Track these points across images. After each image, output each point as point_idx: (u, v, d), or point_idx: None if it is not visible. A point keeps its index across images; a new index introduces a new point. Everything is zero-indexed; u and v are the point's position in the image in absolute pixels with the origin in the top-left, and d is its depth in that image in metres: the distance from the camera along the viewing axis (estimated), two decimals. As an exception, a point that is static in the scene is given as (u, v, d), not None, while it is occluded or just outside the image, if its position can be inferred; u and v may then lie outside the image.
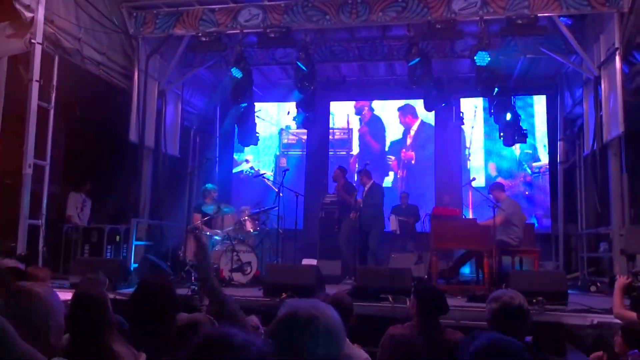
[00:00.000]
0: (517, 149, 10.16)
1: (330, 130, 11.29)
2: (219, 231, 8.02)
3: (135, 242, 7.81)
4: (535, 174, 10.25)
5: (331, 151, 11.22)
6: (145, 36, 8.26)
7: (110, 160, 8.38)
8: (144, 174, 8.43)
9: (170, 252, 8.37)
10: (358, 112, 11.30)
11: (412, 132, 10.98)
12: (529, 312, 2.68)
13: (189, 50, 8.82)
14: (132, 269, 7.27)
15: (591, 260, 8.01)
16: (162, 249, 8.23)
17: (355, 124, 11.29)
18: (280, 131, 11.42)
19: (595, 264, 7.93)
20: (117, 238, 7.70)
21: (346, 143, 11.26)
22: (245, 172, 10.85)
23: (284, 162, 11.20)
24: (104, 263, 6.63)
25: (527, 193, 10.23)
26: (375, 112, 11.27)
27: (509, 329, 2.48)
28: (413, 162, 10.94)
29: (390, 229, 8.69)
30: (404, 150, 10.98)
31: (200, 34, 8.08)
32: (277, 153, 11.40)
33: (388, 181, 10.84)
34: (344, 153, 11.21)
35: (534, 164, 10.32)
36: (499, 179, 9.72)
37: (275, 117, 11.37)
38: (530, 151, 10.30)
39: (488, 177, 10.29)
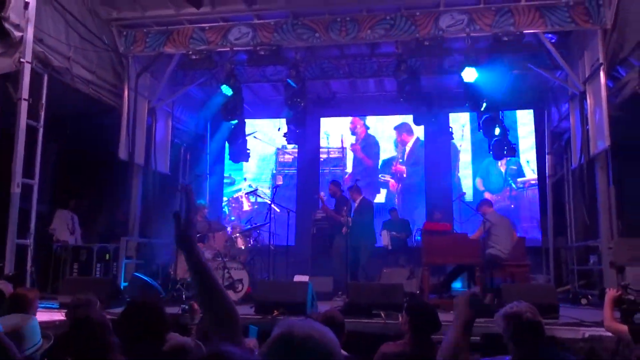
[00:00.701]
0: (502, 165, 10.42)
1: (326, 149, 11.43)
2: (208, 250, 7.97)
3: (125, 261, 7.75)
4: (520, 189, 10.44)
5: (326, 169, 11.33)
6: (136, 54, 8.29)
7: (99, 178, 8.34)
8: (134, 191, 8.39)
9: (160, 271, 8.29)
10: (353, 132, 11.39)
11: (407, 149, 11.12)
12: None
13: (179, 68, 8.85)
14: (122, 287, 7.20)
15: (581, 273, 8.05)
16: (152, 268, 8.16)
17: (349, 143, 11.40)
18: (277, 150, 11.52)
19: (585, 277, 7.96)
20: (107, 257, 7.63)
21: (340, 161, 11.39)
22: (243, 190, 10.81)
23: (280, 180, 11.29)
24: (93, 282, 6.56)
25: (512, 206, 10.38)
26: (369, 131, 11.36)
27: (532, 343, 2.50)
28: (405, 175, 11.02)
29: (382, 244, 8.70)
30: (395, 163, 11.06)
31: (190, 52, 8.12)
32: (274, 171, 11.45)
33: (380, 198, 10.89)
34: (339, 171, 11.30)
35: (519, 180, 10.52)
36: (486, 194, 9.87)
37: (272, 137, 11.42)
38: (515, 167, 10.51)
39: (475, 192, 10.42)
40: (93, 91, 7.71)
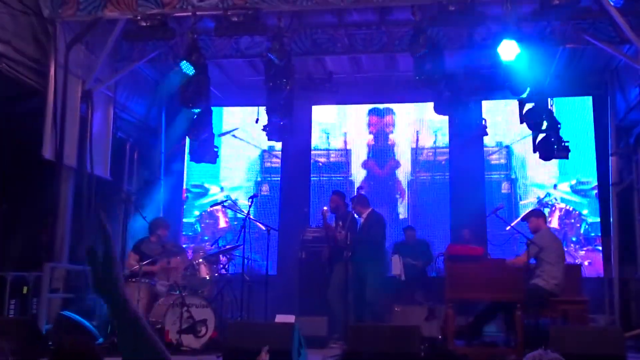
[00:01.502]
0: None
1: (325, 152, 11.51)
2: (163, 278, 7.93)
3: (49, 295, 7.67)
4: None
5: (325, 176, 11.40)
6: (65, 20, 8.24)
7: (15, 185, 8.26)
8: (62, 202, 8.34)
9: (96, 308, 8.23)
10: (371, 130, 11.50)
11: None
12: None
13: (124, 38, 8.80)
14: (44, 331, 7.12)
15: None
16: (85, 303, 8.10)
17: (354, 145, 11.46)
18: (262, 153, 11.59)
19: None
20: (25, 289, 7.55)
21: (343, 167, 11.41)
22: (220, 202, 10.76)
23: (266, 189, 11.39)
24: (5, 324, 6.47)
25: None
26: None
27: None
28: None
29: (392, 274, 8.68)
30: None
31: (139, 18, 8.08)
32: (259, 179, 11.51)
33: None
34: (341, 178, 11.32)
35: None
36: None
37: (257, 138, 11.43)
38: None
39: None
40: (7, 68, 7.64)
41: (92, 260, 1.62)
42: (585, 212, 10.53)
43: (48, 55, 8.17)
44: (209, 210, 11.33)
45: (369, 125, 11.54)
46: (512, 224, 8.50)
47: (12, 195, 8.32)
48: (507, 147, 11.02)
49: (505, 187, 10.89)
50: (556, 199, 10.56)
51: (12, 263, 8.22)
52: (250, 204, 8.33)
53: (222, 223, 11.37)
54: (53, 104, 8.12)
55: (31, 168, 8.13)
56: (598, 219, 10.41)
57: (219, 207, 10.81)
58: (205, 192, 11.55)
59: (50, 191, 8.19)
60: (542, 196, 10.43)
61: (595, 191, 10.48)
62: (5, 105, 7.98)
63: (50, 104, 8.10)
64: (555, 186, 10.61)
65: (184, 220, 11.52)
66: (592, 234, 10.48)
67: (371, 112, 11.58)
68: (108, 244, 1.65)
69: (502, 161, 11.02)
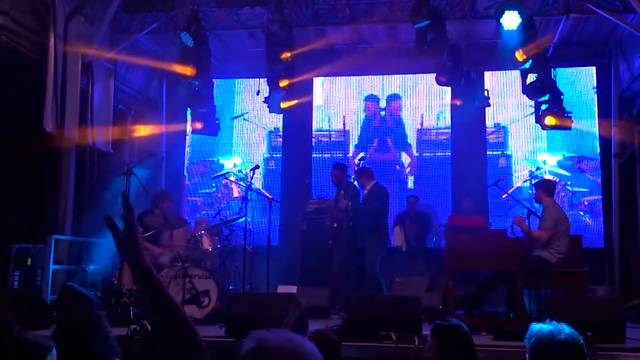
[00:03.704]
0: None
1: (327, 133, 11.62)
2: (166, 251, 7.98)
3: (52, 267, 7.73)
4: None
5: (327, 153, 11.52)
6: (65, -10, 8.19)
7: (19, 158, 8.27)
8: (65, 175, 8.37)
9: (100, 279, 8.30)
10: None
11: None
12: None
13: (123, 10, 8.77)
14: (49, 302, 7.20)
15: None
16: (89, 275, 8.16)
17: (351, 125, 11.63)
18: (270, 133, 11.77)
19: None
20: (29, 261, 7.61)
21: (342, 145, 11.60)
22: (222, 174, 10.92)
23: (272, 165, 11.63)
24: (10, 295, 6.54)
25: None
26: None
27: None
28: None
29: (394, 245, 8.71)
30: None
31: (139, -12, 8.04)
32: (267, 156, 11.69)
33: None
34: (341, 155, 11.45)
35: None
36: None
37: (265, 120, 11.66)
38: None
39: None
40: (7, 40, 7.62)
41: (112, 227, 1.77)
42: (569, 183, 10.68)
43: (47, 27, 8.12)
44: (224, 182, 11.46)
45: (367, 109, 11.67)
46: (509, 192, 8.54)
47: (14, 168, 8.34)
48: (504, 127, 11.16)
49: (502, 162, 11.00)
50: (545, 172, 10.66)
51: (16, 235, 8.29)
52: (252, 175, 8.31)
53: (235, 193, 11.50)
54: (53, 76, 8.09)
55: (33, 141, 8.12)
56: (583, 189, 10.57)
57: (232, 178, 10.97)
58: (220, 167, 11.65)
59: (53, 164, 8.20)
60: (533, 170, 10.49)
61: (578, 165, 10.64)
62: (6, 77, 7.95)
63: (50, 76, 8.07)
64: (544, 161, 10.73)
65: (201, 192, 11.74)
66: (575, 201, 10.65)
67: (368, 98, 11.66)
68: (130, 213, 1.76)
69: (500, 140, 11.13)
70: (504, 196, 8.81)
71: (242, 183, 9.77)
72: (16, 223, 8.82)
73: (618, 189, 9.75)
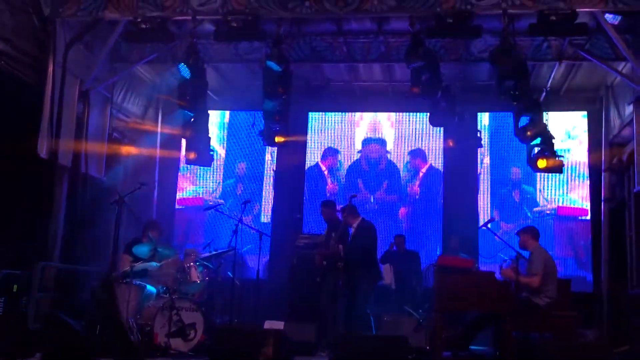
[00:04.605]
0: (516, 194, 10.94)
1: (321, 163, 11.66)
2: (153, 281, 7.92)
3: (39, 294, 7.64)
4: (536, 218, 10.81)
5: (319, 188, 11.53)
6: (66, 19, 8.25)
7: (11, 183, 8.23)
8: (57, 201, 8.32)
9: (87, 308, 8.20)
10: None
11: (421, 174, 11.47)
12: None
13: (123, 40, 8.83)
14: (33, 329, 7.10)
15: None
16: (76, 304, 8.06)
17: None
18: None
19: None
20: (15, 288, 7.52)
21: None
22: (213, 206, 10.86)
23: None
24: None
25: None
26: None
27: None
28: (417, 197, 11.24)
29: (383, 283, 8.67)
30: (410, 185, 11.37)
31: (139, 20, 8.10)
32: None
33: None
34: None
35: (535, 209, 10.97)
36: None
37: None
38: (530, 195, 11.07)
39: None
40: (6, 65, 7.64)
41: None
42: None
43: (47, 54, 8.17)
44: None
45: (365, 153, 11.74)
46: (497, 235, 8.56)
47: (6, 193, 8.29)
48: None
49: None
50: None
51: (6, 261, 8.20)
52: (242, 209, 8.32)
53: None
54: (50, 102, 8.11)
55: (26, 166, 8.10)
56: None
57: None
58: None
59: (44, 190, 8.16)
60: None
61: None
62: (3, 102, 7.95)
63: (47, 102, 8.10)
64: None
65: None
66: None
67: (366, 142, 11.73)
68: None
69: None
70: (497, 237, 8.82)
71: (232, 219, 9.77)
72: (5, 249, 8.75)
73: (607, 234, 9.78)
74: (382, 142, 11.58)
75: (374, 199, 11.27)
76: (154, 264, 7.96)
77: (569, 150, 10.64)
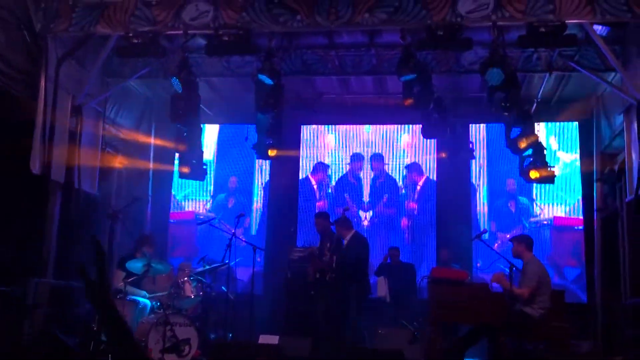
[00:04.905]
0: (512, 205, 11.01)
1: (311, 177, 11.69)
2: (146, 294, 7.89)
3: (33, 310, 7.59)
4: (533, 228, 10.81)
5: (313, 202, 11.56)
6: (58, 35, 8.26)
7: (4, 199, 8.21)
8: (50, 217, 8.29)
9: (81, 324, 8.17)
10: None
11: (418, 188, 11.50)
12: None
13: (115, 54, 8.83)
14: (27, 347, 7.04)
15: None
16: (69, 320, 8.03)
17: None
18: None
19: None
20: (8, 305, 7.46)
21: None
22: (206, 220, 10.86)
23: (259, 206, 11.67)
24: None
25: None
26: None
27: None
28: (415, 212, 11.27)
29: (377, 295, 8.66)
30: (407, 201, 11.41)
31: (131, 35, 8.10)
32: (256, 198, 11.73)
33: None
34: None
35: (531, 219, 11.01)
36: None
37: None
38: (525, 205, 11.11)
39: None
40: (-1, 81, 7.64)
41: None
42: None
43: (39, 69, 8.16)
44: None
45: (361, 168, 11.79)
46: (495, 246, 8.58)
47: (-2, 208, 8.27)
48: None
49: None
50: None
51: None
52: (236, 222, 8.31)
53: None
54: (42, 118, 8.09)
55: (18, 182, 8.08)
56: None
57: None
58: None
59: (37, 206, 8.13)
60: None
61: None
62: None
63: (39, 118, 8.07)
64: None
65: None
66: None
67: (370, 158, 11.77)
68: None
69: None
70: (491, 249, 8.84)
71: (226, 233, 9.75)
72: (-2, 265, 8.71)
73: (600, 244, 9.80)
74: (379, 157, 11.59)
75: (373, 212, 11.28)
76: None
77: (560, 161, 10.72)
